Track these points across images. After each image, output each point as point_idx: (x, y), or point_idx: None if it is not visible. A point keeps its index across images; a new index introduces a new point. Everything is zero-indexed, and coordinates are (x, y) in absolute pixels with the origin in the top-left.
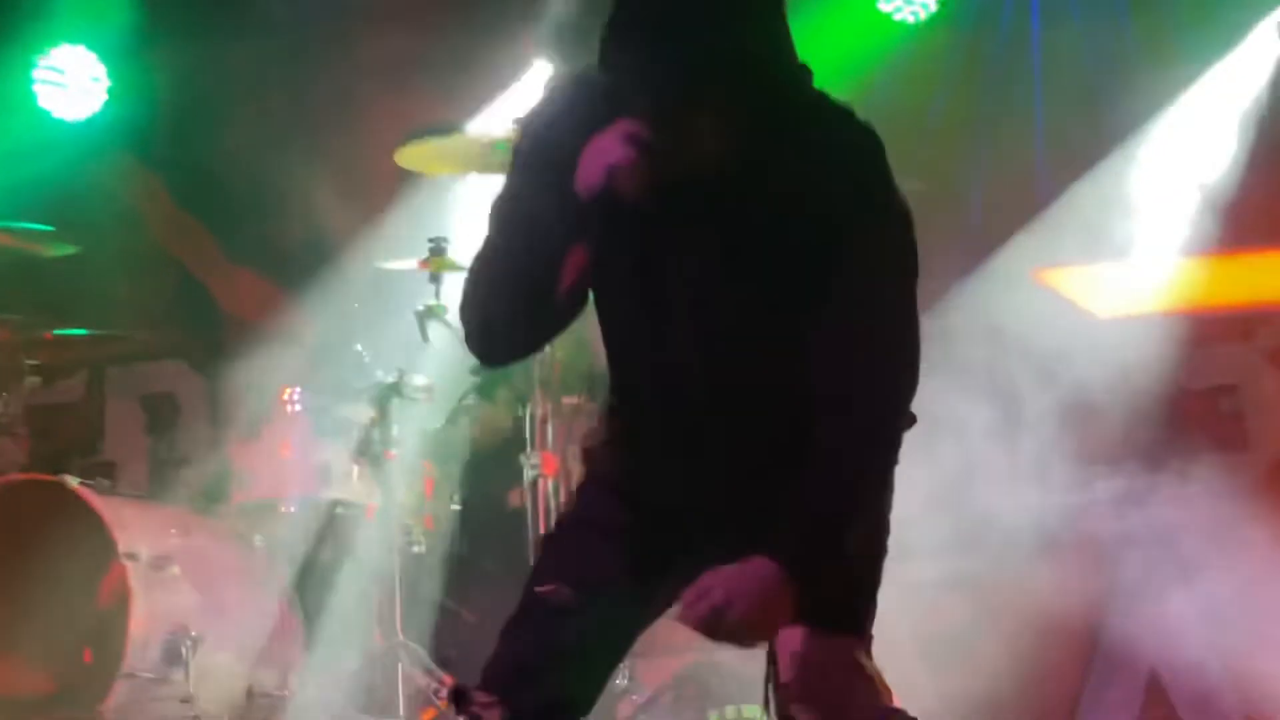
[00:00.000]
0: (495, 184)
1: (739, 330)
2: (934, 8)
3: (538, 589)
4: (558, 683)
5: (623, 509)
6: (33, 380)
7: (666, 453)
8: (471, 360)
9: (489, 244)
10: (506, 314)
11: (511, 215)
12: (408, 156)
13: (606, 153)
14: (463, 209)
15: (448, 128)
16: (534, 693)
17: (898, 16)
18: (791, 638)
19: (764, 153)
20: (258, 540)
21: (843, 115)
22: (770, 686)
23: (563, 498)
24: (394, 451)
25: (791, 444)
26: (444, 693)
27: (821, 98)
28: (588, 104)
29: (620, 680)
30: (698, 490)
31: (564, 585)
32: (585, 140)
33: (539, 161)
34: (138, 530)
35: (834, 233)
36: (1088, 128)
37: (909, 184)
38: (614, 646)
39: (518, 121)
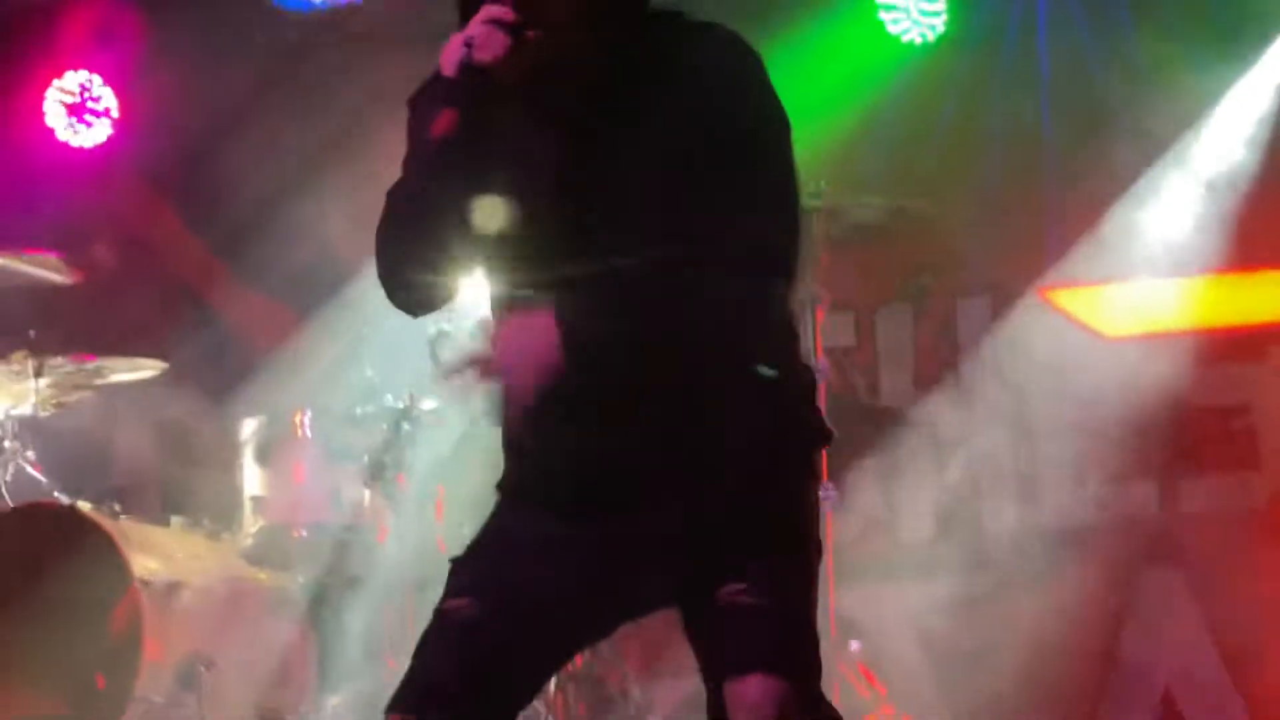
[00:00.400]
0: None
1: (623, 234)
2: (941, 29)
3: (447, 604)
4: (471, 703)
5: (541, 512)
6: (43, 405)
7: (558, 405)
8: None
9: (389, 204)
10: (410, 251)
11: (406, 176)
12: None
13: (467, 31)
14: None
15: None
16: (445, 713)
17: (906, 38)
18: (745, 689)
19: (632, 44)
20: (270, 565)
21: (706, 24)
22: None
23: None
24: (405, 475)
25: (688, 385)
26: None
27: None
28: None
29: (633, 702)
30: (601, 450)
31: (475, 599)
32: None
33: (422, 124)
34: (150, 555)
35: (713, 134)
36: (1096, 146)
37: (917, 204)
38: (537, 666)
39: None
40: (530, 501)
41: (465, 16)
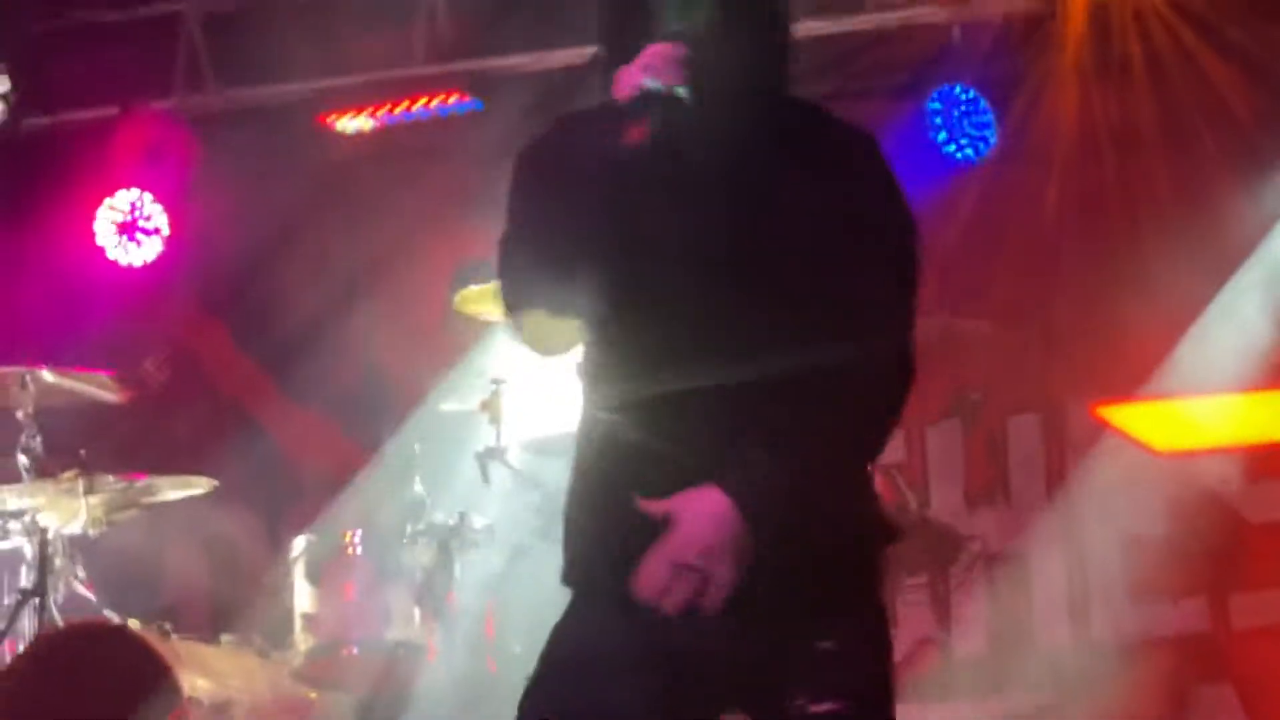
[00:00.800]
0: None
1: (752, 309)
2: (993, 143)
3: None
4: None
5: (616, 611)
6: (94, 523)
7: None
8: (532, 501)
9: (517, 239)
10: (543, 283)
11: (532, 216)
12: (464, 302)
13: (642, 59)
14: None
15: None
16: None
17: (957, 154)
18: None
19: (783, 121)
20: (320, 683)
21: (843, 120)
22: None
23: None
24: (455, 593)
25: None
26: None
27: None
28: (584, 129)
29: None
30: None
31: None
32: (584, 160)
33: (543, 179)
34: (201, 674)
35: (838, 226)
36: (1151, 261)
37: (968, 322)
38: None
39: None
40: (606, 594)
41: (609, 39)
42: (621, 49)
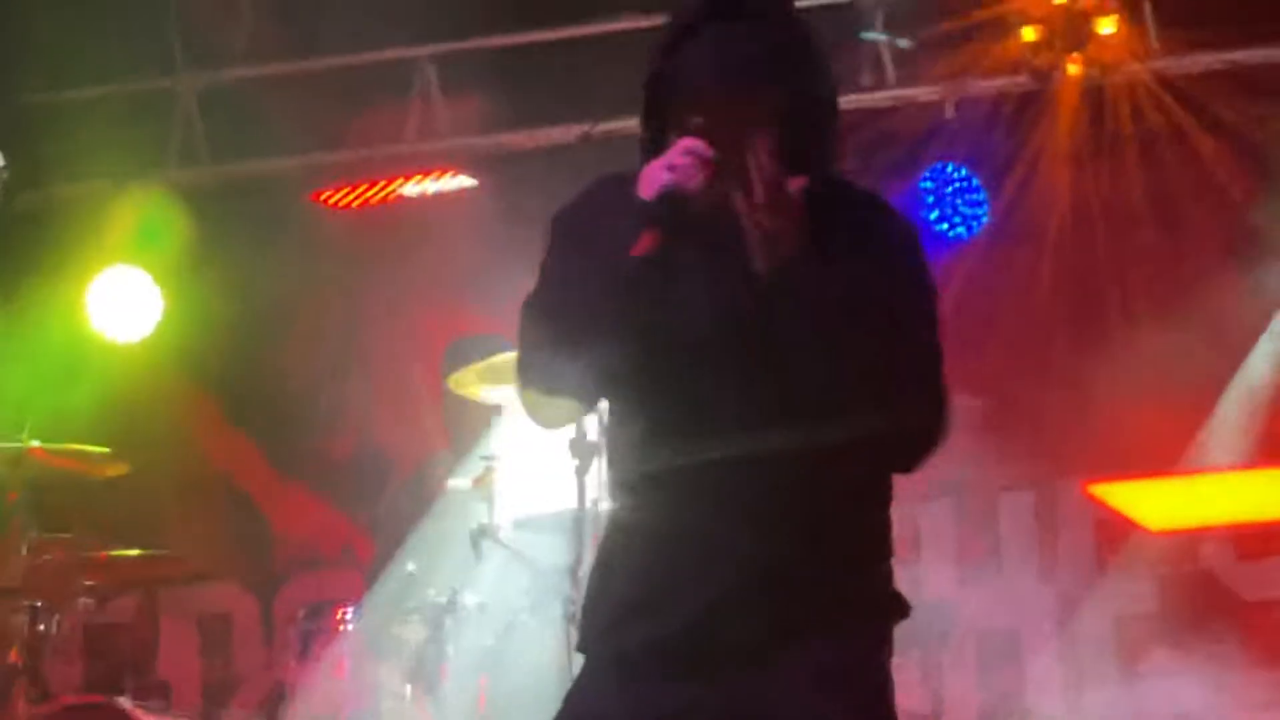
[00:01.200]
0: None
1: (781, 388)
2: (983, 223)
3: None
4: None
5: (629, 675)
6: (86, 600)
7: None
8: (524, 578)
9: (541, 309)
10: (563, 362)
11: (559, 279)
12: (457, 381)
13: (668, 158)
14: (514, 426)
15: (491, 348)
16: None
17: (948, 232)
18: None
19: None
20: None
21: (880, 200)
22: None
23: None
24: (448, 670)
25: (810, 552)
26: None
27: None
28: (621, 195)
29: None
30: (711, 605)
31: None
32: (621, 222)
33: (577, 240)
34: None
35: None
36: (1143, 339)
37: (966, 400)
38: None
39: (553, 218)
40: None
41: (651, 118)
42: (659, 133)
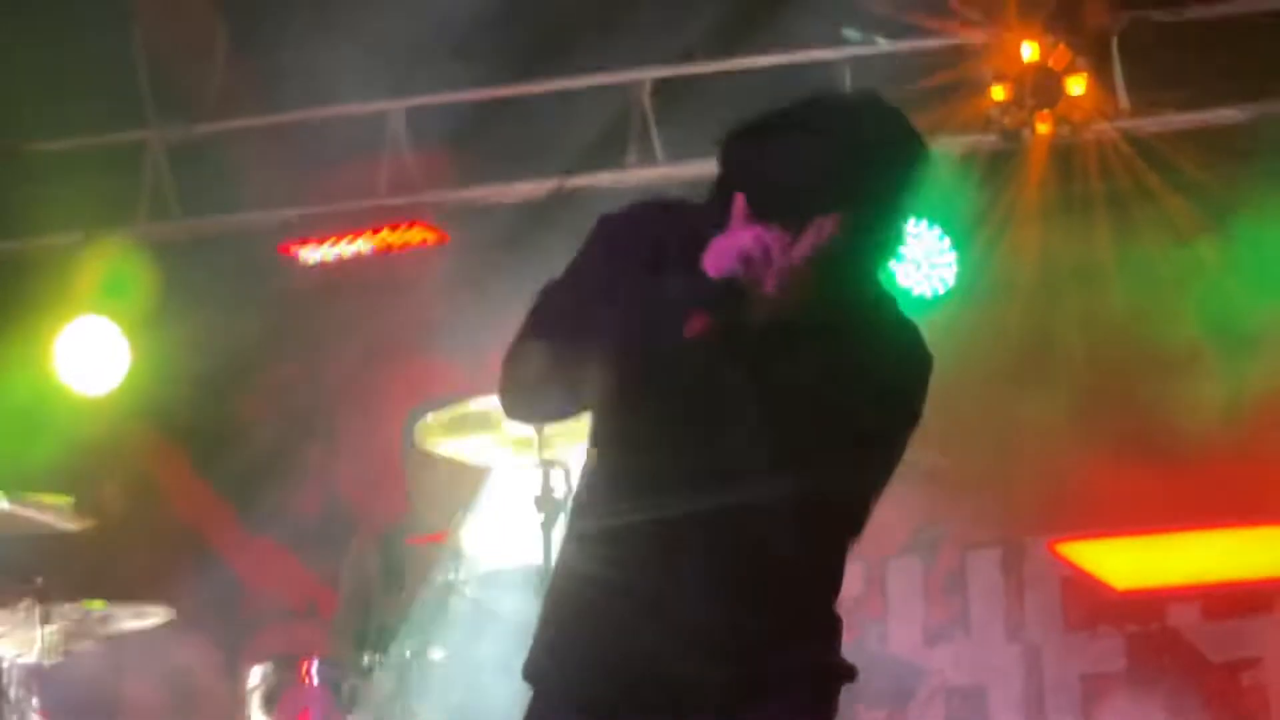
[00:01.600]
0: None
1: (760, 467)
2: (952, 282)
3: None
4: None
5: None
6: (51, 653)
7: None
8: (491, 633)
9: (555, 302)
10: (565, 363)
11: (584, 284)
12: (423, 435)
13: (745, 243)
14: (479, 484)
15: (453, 404)
16: None
17: (916, 290)
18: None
19: (850, 316)
20: None
21: (911, 322)
22: None
23: None
24: None
25: (768, 614)
26: None
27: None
28: (672, 221)
29: None
30: (661, 653)
31: None
32: (664, 248)
33: (623, 248)
34: None
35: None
36: (1111, 397)
37: (927, 456)
38: None
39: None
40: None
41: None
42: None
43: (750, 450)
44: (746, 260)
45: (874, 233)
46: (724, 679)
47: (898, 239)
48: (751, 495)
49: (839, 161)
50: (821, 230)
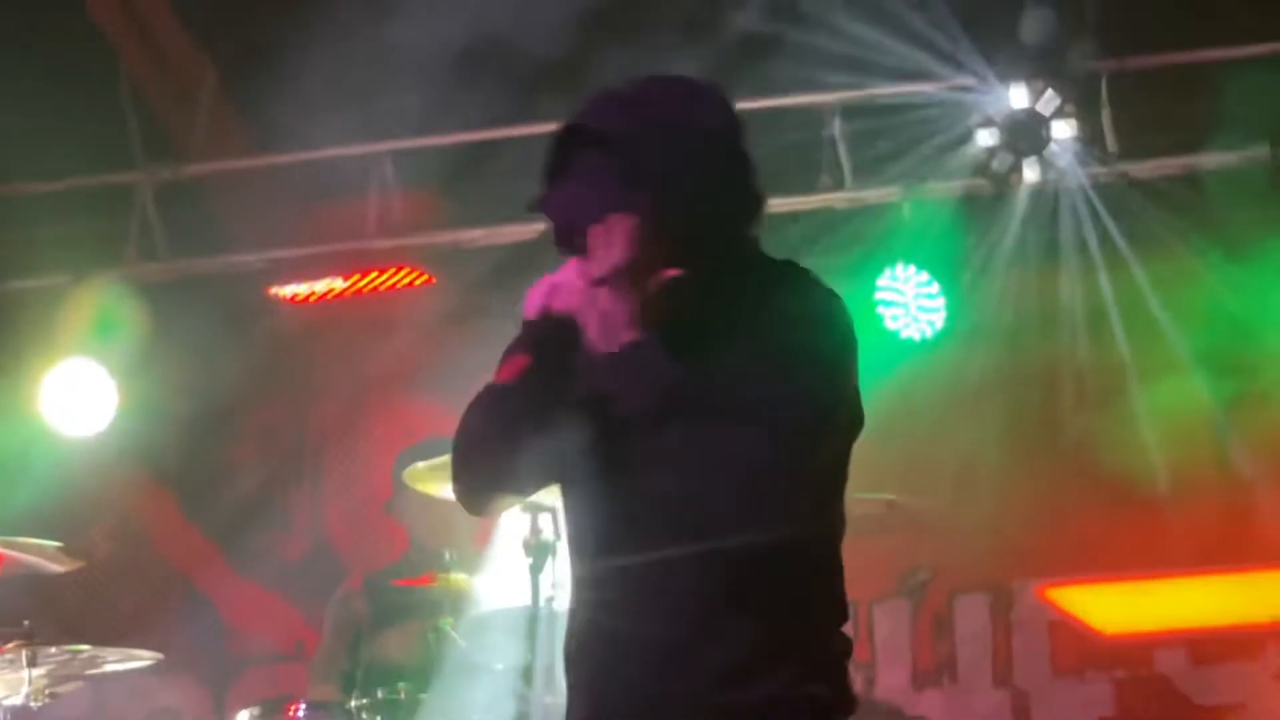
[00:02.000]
0: None
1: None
2: (941, 325)
3: None
4: None
5: None
6: (38, 696)
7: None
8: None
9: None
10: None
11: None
12: (412, 479)
13: (555, 277)
14: (468, 525)
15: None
16: None
17: (905, 334)
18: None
19: (726, 304)
20: None
21: (805, 274)
22: None
23: None
24: None
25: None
26: None
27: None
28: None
29: None
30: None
31: None
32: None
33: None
34: None
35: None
36: (1100, 441)
37: (913, 500)
38: None
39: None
40: None
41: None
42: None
43: (688, 479)
44: (553, 289)
45: (701, 203)
46: (708, 710)
47: (742, 198)
48: (710, 526)
49: (610, 165)
50: (612, 233)
